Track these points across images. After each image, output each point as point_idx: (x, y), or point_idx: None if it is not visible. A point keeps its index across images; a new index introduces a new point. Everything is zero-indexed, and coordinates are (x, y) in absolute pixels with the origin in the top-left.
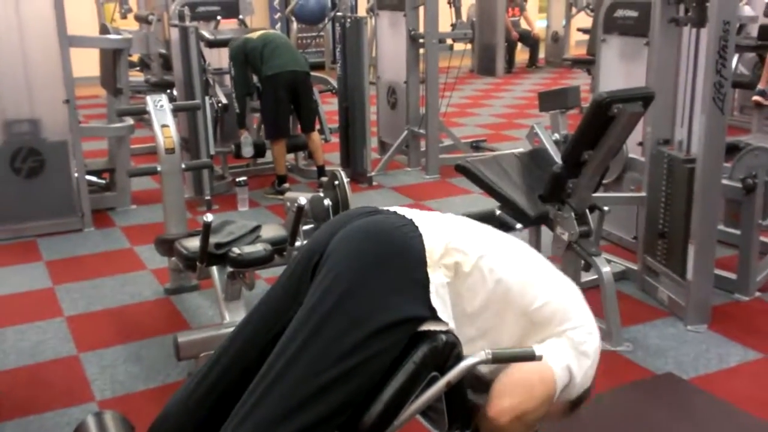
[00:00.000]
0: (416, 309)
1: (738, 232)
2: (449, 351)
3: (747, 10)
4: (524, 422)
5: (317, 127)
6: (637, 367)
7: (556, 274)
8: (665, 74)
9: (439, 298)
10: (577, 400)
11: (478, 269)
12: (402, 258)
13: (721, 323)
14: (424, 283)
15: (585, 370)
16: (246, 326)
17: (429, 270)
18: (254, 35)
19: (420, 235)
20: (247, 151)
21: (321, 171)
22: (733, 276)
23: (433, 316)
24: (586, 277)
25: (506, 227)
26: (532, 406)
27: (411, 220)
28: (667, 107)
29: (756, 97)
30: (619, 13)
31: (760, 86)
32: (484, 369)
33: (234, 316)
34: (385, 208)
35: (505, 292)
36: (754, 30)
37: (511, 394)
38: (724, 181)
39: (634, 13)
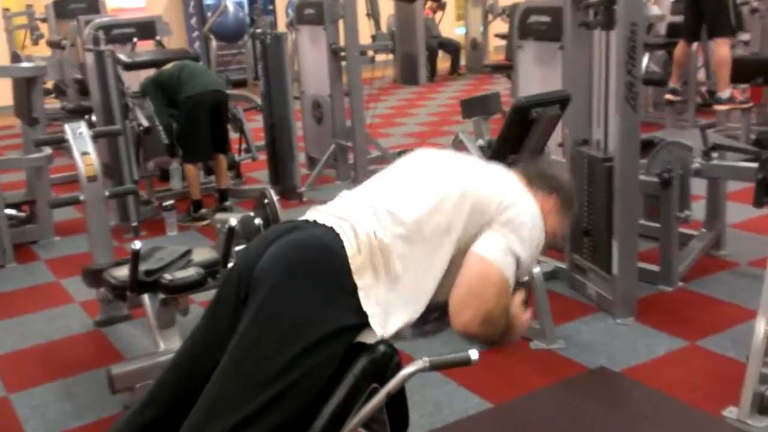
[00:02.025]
0: (346, 318)
1: (658, 225)
2: (388, 362)
3: (655, 10)
4: (492, 319)
5: (243, 145)
6: (571, 362)
7: (466, 171)
8: (579, 77)
9: (369, 301)
10: (567, 208)
11: (401, 238)
12: (327, 270)
13: (647, 315)
14: (352, 290)
15: (528, 239)
16: (184, 354)
17: (355, 276)
18: (167, 67)
19: (341, 242)
20: (176, 183)
21: (223, 195)
22: (656, 268)
23: (365, 322)
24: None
25: None
26: (490, 305)
27: (331, 227)
28: (584, 108)
29: (668, 95)
30: (533, 18)
31: (671, 84)
32: (441, 298)
33: (169, 344)
34: (305, 217)
35: (431, 236)
36: (662, 28)
37: (465, 305)
38: (642, 177)
39: (546, 19)
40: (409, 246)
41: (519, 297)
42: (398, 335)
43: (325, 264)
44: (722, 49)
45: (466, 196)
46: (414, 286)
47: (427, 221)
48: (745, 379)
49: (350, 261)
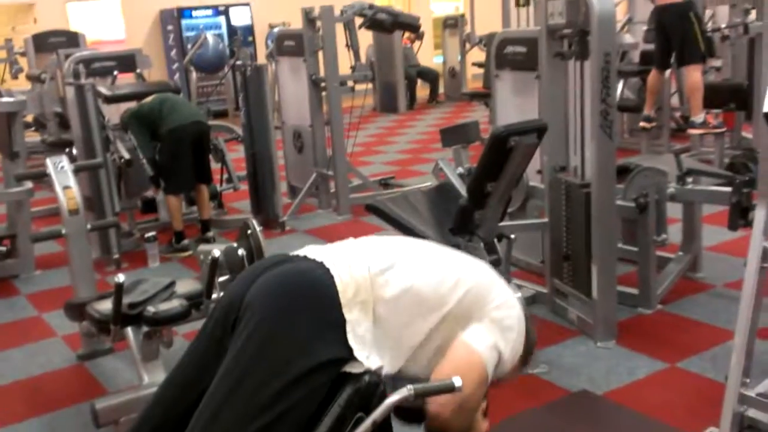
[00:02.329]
0: (335, 351)
1: (636, 249)
2: (373, 391)
3: (628, 38)
4: (466, 409)
5: (225, 175)
6: (554, 386)
7: (464, 262)
8: (556, 105)
9: (356, 336)
10: (526, 356)
11: (392, 291)
12: (316, 303)
13: (628, 337)
14: (340, 323)
15: (512, 343)
16: (169, 388)
17: (344, 310)
18: (147, 99)
19: (331, 276)
20: (162, 213)
21: (205, 226)
22: (635, 291)
23: (352, 355)
24: None
25: None
26: (468, 394)
27: (321, 262)
28: (561, 136)
29: (642, 123)
30: (509, 49)
31: (645, 111)
32: (418, 371)
33: (153, 377)
34: (295, 253)
35: (422, 301)
36: (636, 56)
37: None
38: (619, 202)
39: (522, 49)
40: (396, 300)
41: (482, 405)
42: None
43: (314, 296)
44: (693, 75)
45: (464, 284)
46: (395, 338)
47: (418, 293)
48: (725, 400)
49: (340, 295)
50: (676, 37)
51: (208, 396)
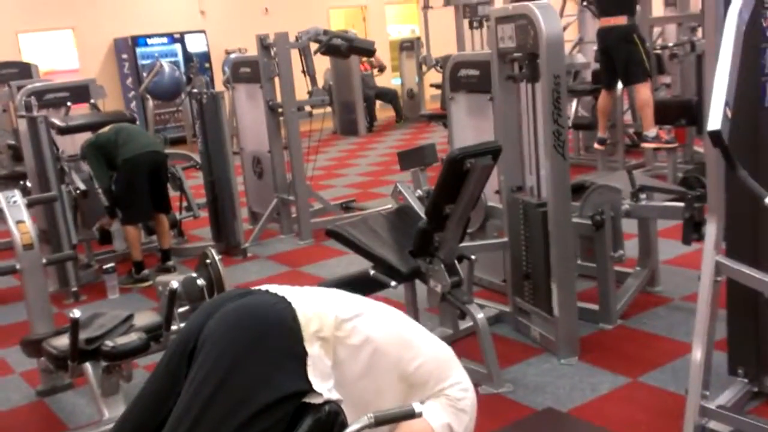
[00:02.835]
0: (296, 384)
1: (594, 265)
2: (332, 420)
3: (580, 58)
4: None
5: (185, 203)
6: (519, 405)
7: (427, 336)
8: (510, 126)
9: (316, 370)
10: None
11: (352, 340)
12: (278, 335)
13: (590, 353)
14: (301, 356)
15: (465, 426)
16: (128, 418)
17: (306, 344)
18: (104, 130)
19: (294, 310)
20: (118, 244)
21: (165, 255)
22: (595, 307)
23: (311, 389)
24: (464, 324)
25: (381, 285)
26: None
27: (283, 297)
28: (516, 156)
29: (597, 145)
30: (463, 72)
31: (599, 134)
32: None
33: (113, 411)
34: (257, 287)
35: (381, 357)
36: (588, 75)
37: None
38: (575, 220)
39: (476, 72)
40: (357, 349)
41: None
42: None
43: (275, 329)
44: (642, 92)
45: (425, 354)
46: (351, 387)
47: (379, 348)
48: (686, 413)
49: (302, 328)
50: (620, 59)
51: (171, 426)
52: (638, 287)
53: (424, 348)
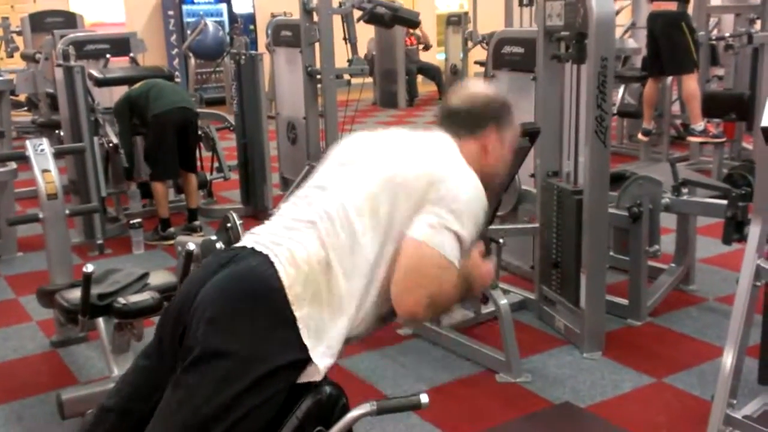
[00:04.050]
0: (287, 354)
1: (627, 258)
2: (334, 403)
3: (631, 43)
4: (438, 303)
5: (216, 164)
6: (536, 397)
7: (396, 150)
8: (551, 108)
9: (310, 331)
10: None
11: (333, 254)
12: (264, 305)
13: (615, 349)
14: (292, 321)
15: (467, 216)
16: (123, 390)
17: (293, 307)
18: (137, 85)
19: (276, 272)
20: (134, 206)
21: (192, 214)
22: (624, 302)
23: (307, 356)
24: (486, 309)
25: None
26: (433, 288)
27: (266, 255)
28: (554, 140)
29: (641, 135)
30: (507, 49)
31: (644, 124)
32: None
33: (122, 369)
34: (241, 245)
35: (364, 229)
36: (638, 61)
37: (406, 291)
38: (612, 210)
39: (520, 50)
40: (351, 255)
41: (476, 251)
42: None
43: (261, 298)
44: (689, 84)
45: (392, 185)
46: (360, 294)
47: (362, 220)
48: (710, 420)
49: (287, 292)
50: (666, 46)
51: (161, 408)
52: (671, 284)
53: (397, 178)
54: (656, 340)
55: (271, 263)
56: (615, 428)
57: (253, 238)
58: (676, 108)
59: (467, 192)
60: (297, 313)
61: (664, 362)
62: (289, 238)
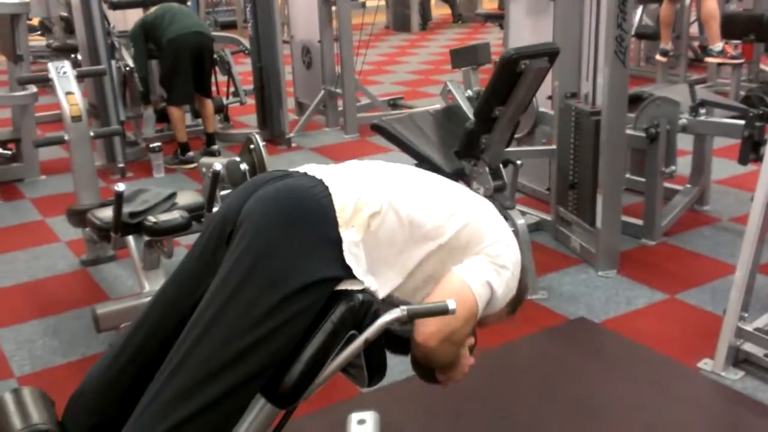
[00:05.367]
0: (330, 270)
1: (643, 179)
2: (366, 309)
3: None
4: (453, 342)
5: (232, 89)
6: (552, 313)
7: (466, 197)
8: (570, 29)
9: (352, 256)
10: (515, 304)
11: (389, 215)
12: (313, 220)
13: (629, 268)
14: (337, 242)
15: (506, 282)
16: (162, 296)
17: (341, 229)
18: (150, 10)
19: (330, 195)
20: (149, 130)
21: (210, 139)
22: (639, 222)
23: (349, 274)
24: None
25: None
26: (456, 326)
27: (321, 180)
28: (573, 61)
29: (658, 56)
30: None
31: (662, 45)
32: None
33: (153, 285)
34: (295, 169)
35: (419, 229)
36: None
37: (434, 318)
38: (629, 131)
39: None
40: (391, 225)
41: (470, 340)
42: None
43: (311, 213)
44: (709, 3)
45: (463, 218)
46: (388, 263)
47: (413, 220)
48: (721, 332)
49: (337, 213)
50: None
51: (201, 309)
52: (686, 205)
53: (460, 212)
54: (670, 258)
55: (326, 186)
56: (629, 342)
57: (308, 167)
58: (694, 29)
59: (514, 269)
60: (343, 235)
61: (677, 279)
62: (345, 179)
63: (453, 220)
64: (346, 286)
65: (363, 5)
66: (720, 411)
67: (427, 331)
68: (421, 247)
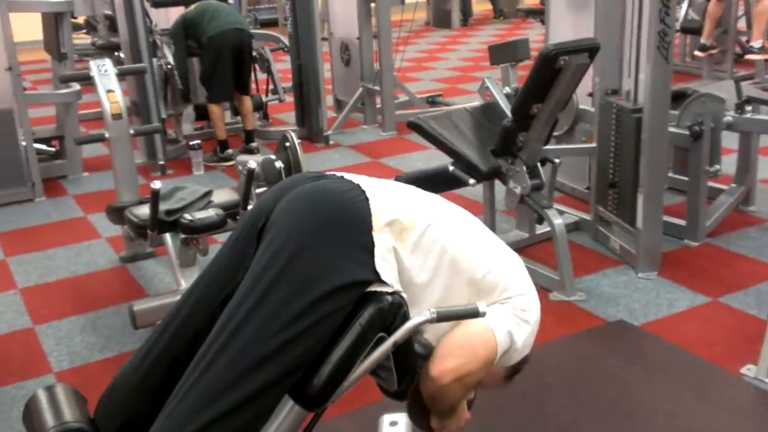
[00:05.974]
0: (362, 273)
1: (686, 178)
2: (395, 311)
3: None
4: (465, 384)
5: (271, 86)
6: (590, 315)
7: (499, 244)
8: (612, 24)
9: (384, 261)
10: (515, 368)
11: (424, 239)
12: (348, 222)
13: (670, 269)
14: (370, 247)
15: (525, 337)
16: (194, 293)
17: (375, 234)
18: (191, 8)
19: (366, 200)
20: (186, 127)
21: (249, 136)
22: (682, 222)
23: (379, 279)
24: (540, 229)
25: (460, 183)
26: (473, 368)
27: (357, 184)
28: (614, 57)
29: (697, 51)
30: None
31: (702, 39)
32: (430, 337)
33: (189, 282)
34: (332, 172)
35: (451, 261)
36: None
37: (454, 354)
38: (672, 129)
39: None
40: (431, 248)
41: (470, 394)
42: None
43: (347, 215)
44: (764, 1)
45: (496, 263)
46: (414, 285)
47: (449, 251)
48: (765, 337)
49: (372, 219)
50: None
51: (232, 308)
52: (731, 205)
53: (493, 255)
54: (713, 260)
55: (362, 191)
56: (669, 345)
57: (345, 174)
58: (741, 25)
59: (534, 327)
60: (377, 240)
61: (721, 282)
62: (384, 191)
63: (486, 260)
64: (375, 287)
65: (402, 2)
66: (763, 419)
67: (444, 366)
68: (450, 278)
